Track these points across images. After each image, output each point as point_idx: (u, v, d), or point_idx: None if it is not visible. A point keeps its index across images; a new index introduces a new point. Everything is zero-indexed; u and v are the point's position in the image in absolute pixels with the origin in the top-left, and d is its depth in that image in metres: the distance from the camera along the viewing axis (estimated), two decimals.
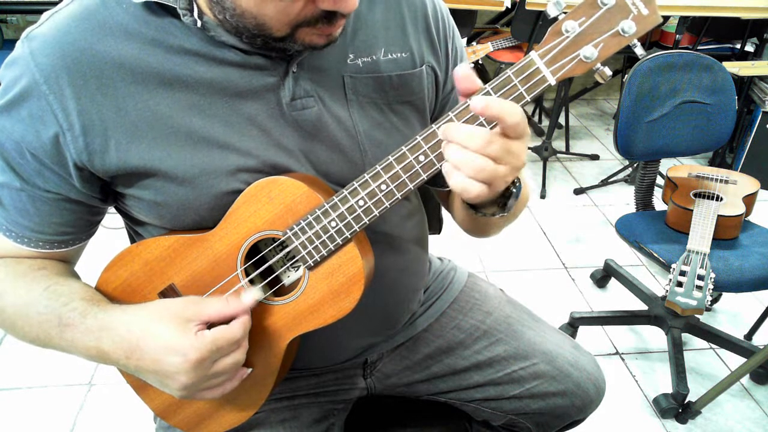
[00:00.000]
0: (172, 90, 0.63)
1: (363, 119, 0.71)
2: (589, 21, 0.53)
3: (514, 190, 0.66)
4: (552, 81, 0.56)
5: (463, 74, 0.57)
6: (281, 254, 0.70)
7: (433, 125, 0.59)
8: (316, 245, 0.65)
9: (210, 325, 0.63)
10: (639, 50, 0.55)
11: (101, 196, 0.69)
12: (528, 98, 0.57)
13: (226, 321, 0.64)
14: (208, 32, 0.62)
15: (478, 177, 0.56)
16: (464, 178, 0.56)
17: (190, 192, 0.65)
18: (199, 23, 0.62)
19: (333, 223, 0.64)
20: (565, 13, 0.54)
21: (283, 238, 0.65)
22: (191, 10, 0.61)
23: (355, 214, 0.63)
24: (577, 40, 0.54)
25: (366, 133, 0.71)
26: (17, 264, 0.69)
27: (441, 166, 0.60)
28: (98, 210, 0.72)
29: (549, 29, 0.55)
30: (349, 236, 0.64)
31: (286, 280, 0.72)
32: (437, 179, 0.86)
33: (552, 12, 0.55)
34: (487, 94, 0.57)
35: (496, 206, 0.67)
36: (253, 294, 0.66)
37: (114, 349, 0.63)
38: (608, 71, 0.56)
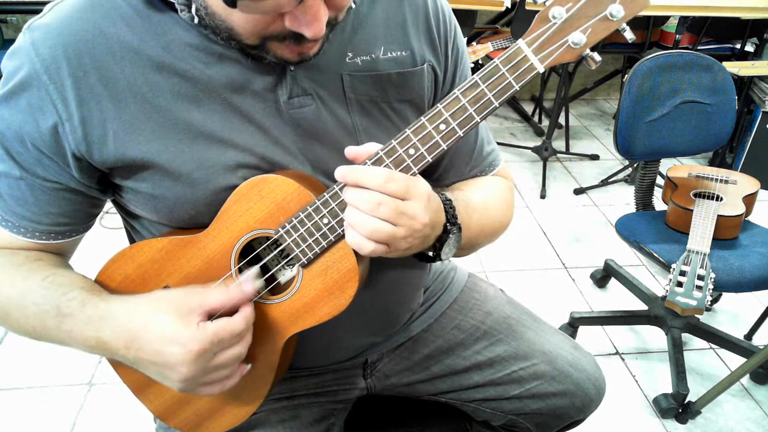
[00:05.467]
0: (172, 84, 0.63)
1: (362, 118, 0.71)
2: (577, 6, 0.52)
3: (452, 236, 0.67)
4: (540, 69, 0.56)
5: (354, 156, 0.61)
6: (275, 252, 0.70)
7: (422, 117, 0.59)
8: (309, 243, 0.64)
9: (212, 318, 0.63)
10: (628, 34, 0.54)
11: (100, 187, 0.69)
12: (517, 87, 0.57)
13: (229, 312, 0.64)
14: (204, 28, 0.62)
15: (374, 237, 0.58)
16: (358, 236, 0.59)
17: (188, 186, 0.65)
18: (196, 19, 0.61)
19: (325, 220, 0.63)
20: None
21: (276, 237, 0.65)
22: (189, 6, 0.61)
23: None
24: (565, 27, 0.53)
25: (366, 131, 0.71)
26: (13, 255, 0.69)
27: (428, 161, 0.60)
28: (97, 201, 0.71)
29: (536, 16, 0.54)
30: (341, 233, 0.64)
31: (281, 279, 0.72)
32: (431, 175, 0.86)
33: None
34: (476, 85, 0.57)
35: (431, 250, 0.68)
36: (255, 284, 0.66)
37: (114, 338, 0.62)
38: (597, 56, 0.55)
